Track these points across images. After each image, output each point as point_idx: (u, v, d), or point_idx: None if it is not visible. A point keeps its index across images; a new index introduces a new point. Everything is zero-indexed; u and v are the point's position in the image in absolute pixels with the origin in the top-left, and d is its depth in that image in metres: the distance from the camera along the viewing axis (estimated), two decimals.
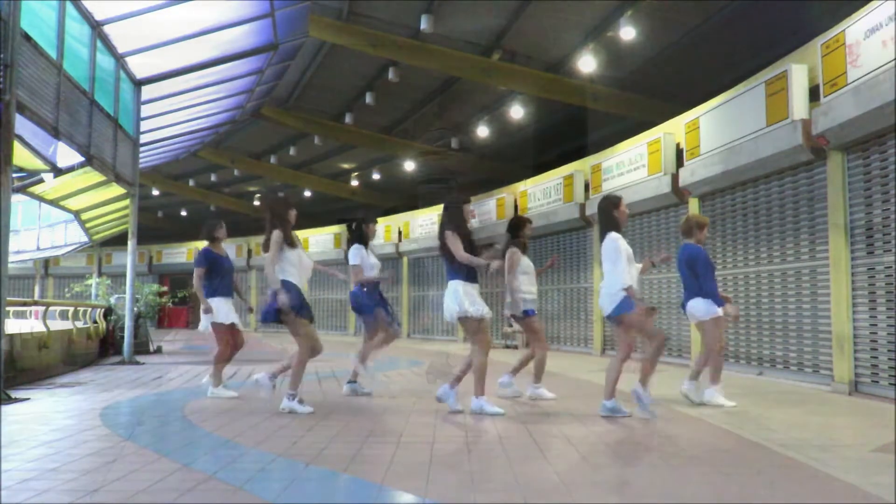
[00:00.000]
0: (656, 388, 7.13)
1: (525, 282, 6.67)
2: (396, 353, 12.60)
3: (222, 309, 6.83)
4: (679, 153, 10.41)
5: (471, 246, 5.66)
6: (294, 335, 5.79)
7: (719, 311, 6.19)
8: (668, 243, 10.69)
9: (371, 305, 6.82)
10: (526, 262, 6.77)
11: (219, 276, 6.89)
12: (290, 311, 5.61)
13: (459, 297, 5.58)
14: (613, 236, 5.59)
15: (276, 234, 5.73)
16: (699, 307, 6.22)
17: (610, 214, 5.69)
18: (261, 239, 6.05)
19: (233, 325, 6.89)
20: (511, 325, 12.10)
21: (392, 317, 6.93)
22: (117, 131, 10.11)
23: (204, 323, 6.87)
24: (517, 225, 6.92)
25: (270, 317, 5.68)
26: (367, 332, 7.00)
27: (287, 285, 5.65)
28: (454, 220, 5.73)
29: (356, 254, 6.87)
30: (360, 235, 6.98)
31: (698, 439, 4.79)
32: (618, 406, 5.52)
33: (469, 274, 5.67)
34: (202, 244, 7.27)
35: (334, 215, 22.91)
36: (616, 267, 5.49)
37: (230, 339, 6.89)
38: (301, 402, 5.73)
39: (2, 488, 3.29)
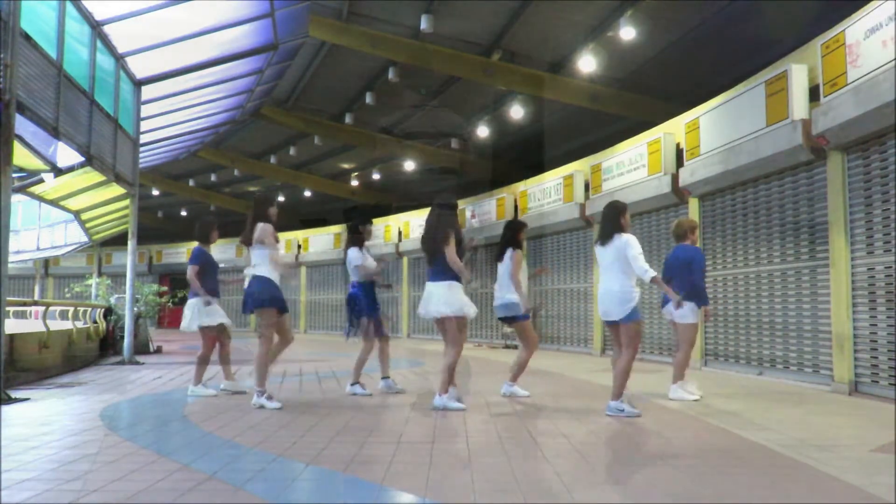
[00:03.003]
0: (657, 387, 7.16)
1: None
2: (397, 354, 12.60)
3: (212, 310, 6.90)
4: (679, 153, 10.41)
5: (460, 248, 5.89)
6: (263, 327, 6.03)
7: (696, 317, 6.53)
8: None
9: (371, 307, 6.84)
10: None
11: (210, 276, 6.97)
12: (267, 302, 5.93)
13: (454, 298, 5.72)
14: (633, 238, 5.63)
15: (270, 228, 6.05)
16: (679, 309, 6.42)
17: (617, 220, 5.74)
18: None
19: (221, 325, 6.98)
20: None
21: (380, 323, 6.98)
22: (117, 131, 10.11)
23: (187, 322, 6.90)
24: (516, 229, 6.98)
25: (248, 307, 5.98)
26: (363, 336, 7.00)
27: (261, 280, 5.94)
28: (451, 224, 5.89)
29: (357, 255, 6.95)
30: (357, 238, 7.06)
31: (698, 439, 4.79)
32: (624, 406, 5.56)
33: (455, 275, 5.83)
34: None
35: (334, 215, 22.86)
36: (628, 271, 5.55)
37: (216, 341, 7.00)
38: (270, 397, 5.88)
39: (2, 488, 3.29)
